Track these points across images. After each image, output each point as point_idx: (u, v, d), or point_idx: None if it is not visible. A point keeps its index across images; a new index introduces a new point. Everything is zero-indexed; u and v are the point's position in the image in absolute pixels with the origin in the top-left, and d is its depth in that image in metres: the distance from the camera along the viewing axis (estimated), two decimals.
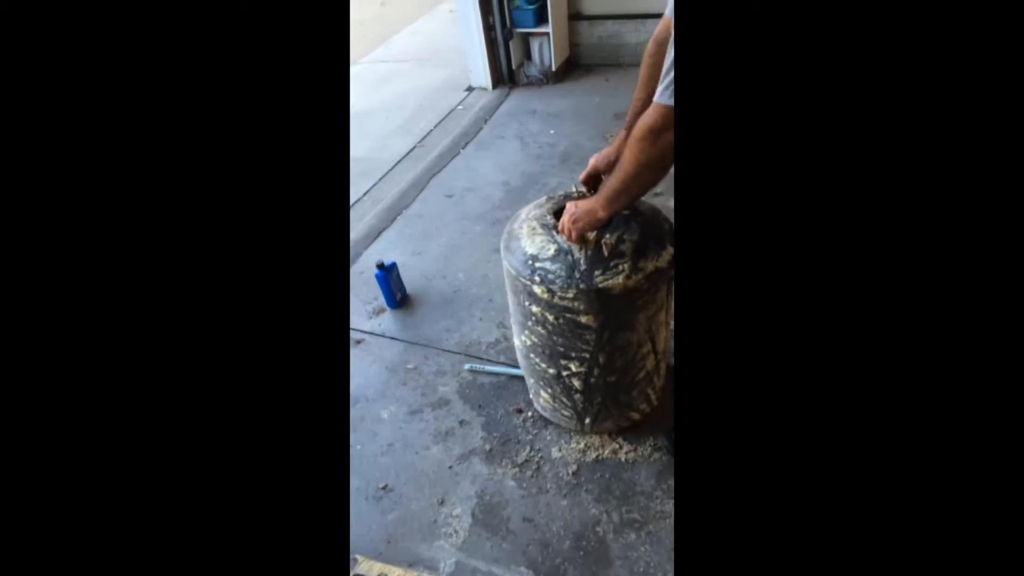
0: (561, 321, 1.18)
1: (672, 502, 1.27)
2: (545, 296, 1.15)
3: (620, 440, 1.40)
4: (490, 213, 2.29)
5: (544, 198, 1.30)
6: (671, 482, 1.31)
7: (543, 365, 1.30)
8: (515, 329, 1.34)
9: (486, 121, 3.02)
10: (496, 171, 2.56)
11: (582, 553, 1.21)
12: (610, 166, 1.16)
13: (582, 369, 1.25)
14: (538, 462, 1.39)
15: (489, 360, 1.66)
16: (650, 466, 1.35)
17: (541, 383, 1.36)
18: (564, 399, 1.34)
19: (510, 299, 1.29)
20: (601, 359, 1.23)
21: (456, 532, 1.27)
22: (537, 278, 1.14)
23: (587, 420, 1.37)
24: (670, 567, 1.16)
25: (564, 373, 1.28)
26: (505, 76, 3.33)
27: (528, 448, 1.42)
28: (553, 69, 3.27)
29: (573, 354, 1.23)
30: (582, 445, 1.40)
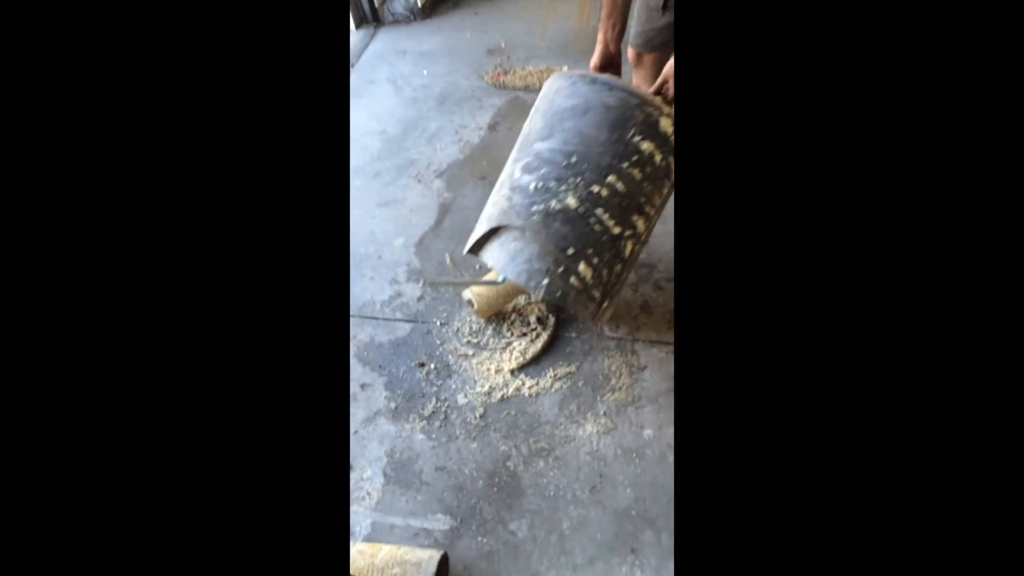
0: (664, 164, 1.15)
1: (575, 425, 1.33)
2: (668, 129, 1.12)
3: (522, 377, 1.44)
4: (369, 165, 2.17)
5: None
6: (573, 406, 1.37)
7: (610, 223, 1.15)
8: (576, 184, 1.14)
9: (353, 66, 2.79)
10: (370, 119, 2.41)
11: (495, 489, 1.25)
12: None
13: (643, 230, 1.18)
14: (445, 411, 1.39)
15: (385, 319, 1.62)
16: (551, 396, 1.40)
17: (587, 251, 1.15)
18: (604, 272, 1.18)
19: (587, 139, 1.13)
20: (653, 222, 1.20)
21: (369, 494, 1.26)
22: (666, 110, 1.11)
23: (605, 303, 1.23)
24: (577, 485, 1.24)
25: (627, 233, 1.16)
26: (368, 15, 3.08)
27: (434, 400, 1.42)
28: (420, 5, 3.06)
29: (647, 208, 1.18)
30: (486, 388, 1.42)
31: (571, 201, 1.14)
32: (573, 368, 1.44)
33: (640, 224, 1.20)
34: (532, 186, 1.17)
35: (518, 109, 2.32)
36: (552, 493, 1.23)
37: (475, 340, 1.53)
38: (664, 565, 1.12)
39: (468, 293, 1.52)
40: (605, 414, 1.34)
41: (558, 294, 1.17)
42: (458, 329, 1.56)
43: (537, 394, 1.40)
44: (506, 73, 2.56)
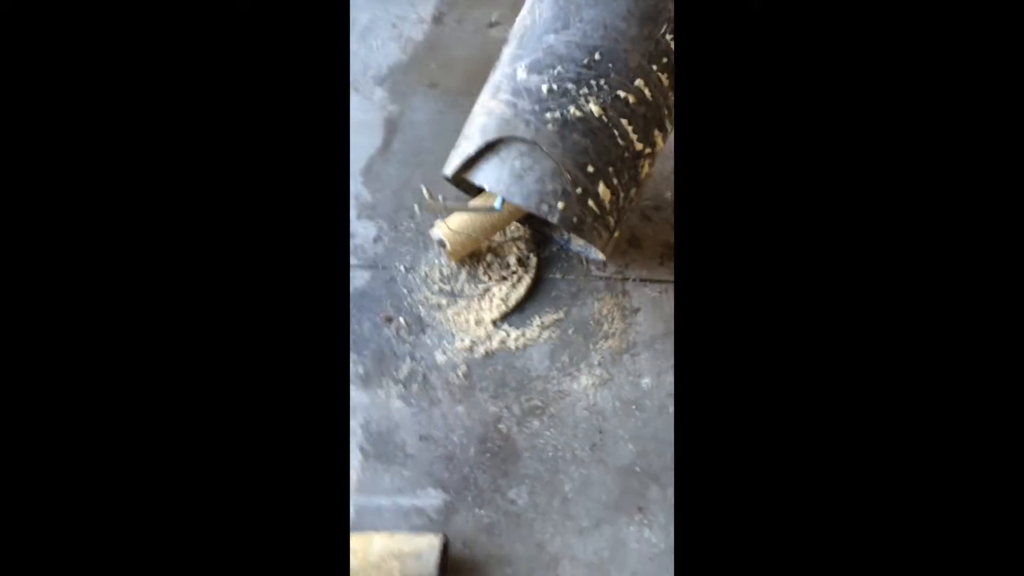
0: None
1: (568, 378, 1.23)
2: None
3: (506, 328, 1.29)
4: None
5: None
6: (564, 358, 1.26)
7: (633, 136, 1.00)
8: (600, 87, 0.96)
9: None
10: None
11: (488, 455, 1.15)
12: None
13: (660, 147, 1.05)
14: (423, 373, 1.24)
15: None
16: (540, 347, 1.27)
17: (608, 170, 1.01)
18: (620, 195, 1.05)
19: (612, 33, 0.94)
20: (670, 139, 1.05)
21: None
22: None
23: (615, 233, 1.13)
24: (576, 444, 1.16)
25: (646, 151, 1.03)
26: None
27: (408, 360, 1.26)
28: None
29: (668, 123, 1.02)
30: (467, 342, 1.27)
31: (593, 108, 0.96)
32: (561, 314, 1.31)
33: (659, 141, 1.05)
34: (544, 88, 0.97)
35: None
36: (551, 454, 1.15)
37: (448, 287, 1.35)
38: (673, 522, 1.09)
39: (437, 231, 1.31)
40: (600, 364, 1.24)
41: (574, 220, 1.01)
42: (426, 275, 1.36)
43: (524, 346, 1.27)
44: None
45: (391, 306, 1.33)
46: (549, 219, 1.06)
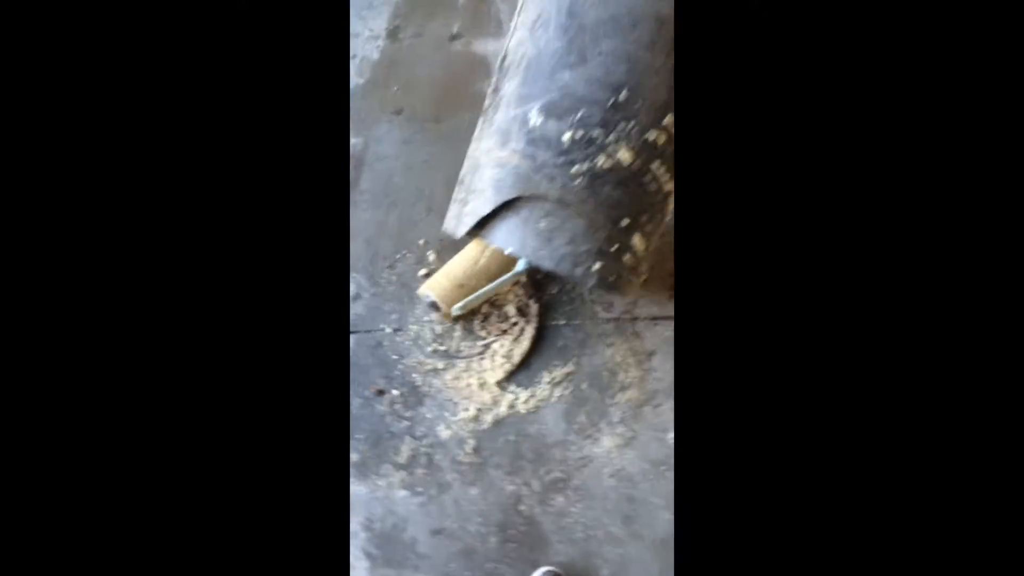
0: None
1: (588, 441, 1.11)
2: None
3: (513, 389, 1.16)
4: None
5: None
6: (582, 417, 1.13)
7: (664, 178, 0.91)
8: (629, 131, 0.85)
9: None
10: None
11: (512, 545, 1.02)
12: None
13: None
14: (427, 453, 1.10)
15: None
16: (553, 408, 1.15)
17: (641, 219, 0.92)
18: (654, 238, 0.97)
19: (638, 66, 0.84)
20: None
21: None
22: None
23: (644, 276, 1.03)
24: (607, 519, 1.04)
25: (672, 188, 0.94)
26: None
27: (408, 440, 1.11)
28: None
29: None
30: (472, 411, 1.13)
31: (624, 155, 0.86)
32: (571, 367, 1.19)
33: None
34: (567, 137, 0.85)
35: (425, 3, 1.77)
36: (581, 534, 1.03)
37: (443, 348, 1.20)
38: None
39: (426, 290, 1.16)
40: (621, 420, 1.13)
41: (611, 279, 0.91)
42: (417, 335, 1.21)
43: (536, 408, 1.14)
44: None
45: (381, 377, 1.17)
46: (583, 284, 0.95)
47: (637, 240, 0.93)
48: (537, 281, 1.28)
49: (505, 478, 1.08)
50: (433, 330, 1.22)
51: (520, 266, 1.03)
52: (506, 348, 1.19)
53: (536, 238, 0.90)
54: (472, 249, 1.14)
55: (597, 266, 0.89)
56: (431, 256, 1.28)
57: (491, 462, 1.09)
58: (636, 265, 0.96)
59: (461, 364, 1.19)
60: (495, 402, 1.15)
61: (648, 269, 0.99)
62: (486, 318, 1.22)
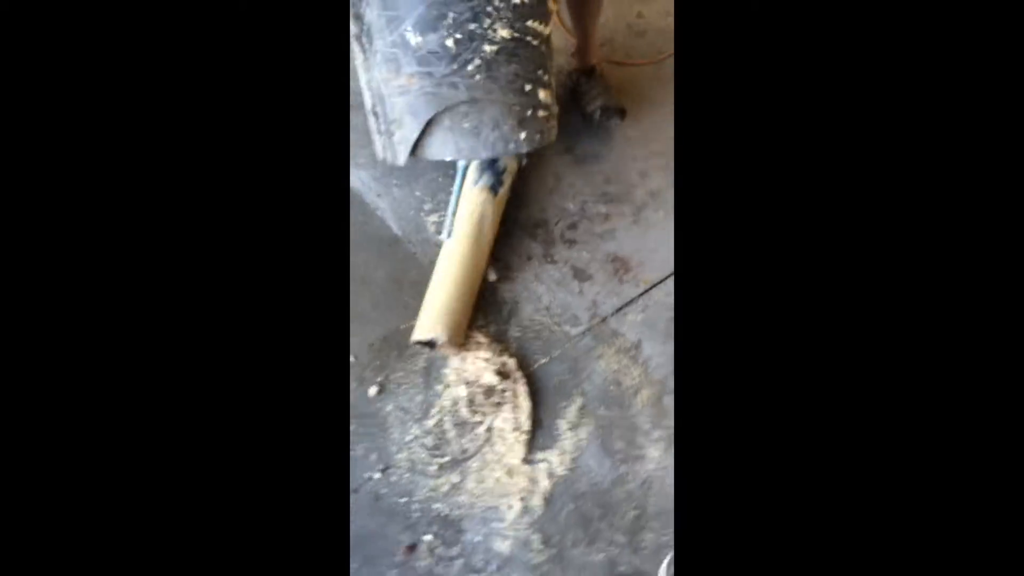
0: None
1: (638, 463, 1.05)
2: None
3: (542, 456, 1.05)
4: None
5: None
6: (618, 443, 1.06)
7: (540, 26, 1.04)
8: (498, 8, 0.96)
9: None
10: None
11: None
12: None
13: (556, 5, 1.15)
14: None
15: None
16: (591, 453, 1.06)
17: (539, 74, 1.06)
18: (553, 80, 1.10)
19: None
20: None
21: None
22: None
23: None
24: None
25: (548, 29, 1.08)
26: None
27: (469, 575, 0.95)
28: None
29: None
30: (517, 507, 1.00)
31: (503, 32, 0.98)
32: (579, 399, 1.10)
33: (552, 3, 1.07)
34: (450, 43, 0.95)
35: None
36: None
37: (445, 458, 1.04)
38: None
39: (421, 334, 1.06)
40: (652, 425, 1.08)
41: (537, 138, 1.08)
42: (411, 461, 1.03)
43: (573, 462, 1.05)
44: None
45: (401, 531, 0.98)
46: (520, 152, 1.10)
47: (543, 95, 1.07)
48: (497, 334, 1.16)
49: (589, 550, 0.98)
50: (424, 445, 1.05)
51: (460, 169, 1.17)
52: (510, 420, 1.07)
53: (466, 138, 1.03)
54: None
55: (523, 136, 1.05)
56: (374, 366, 1.09)
57: (567, 543, 0.98)
58: (549, 115, 1.10)
59: (475, 463, 1.04)
60: (533, 481, 1.02)
61: (557, 108, 1.13)
62: (471, 401, 1.08)
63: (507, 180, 1.22)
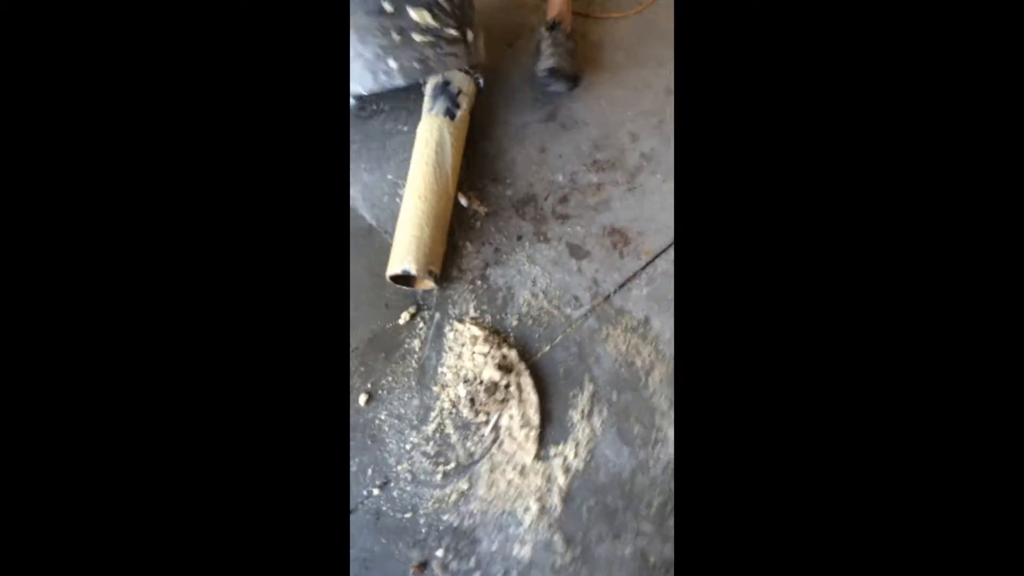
0: None
1: (659, 446, 0.98)
2: None
3: (555, 450, 0.97)
4: None
5: None
6: (635, 428, 0.99)
7: None
8: None
9: None
10: None
11: None
12: None
13: None
14: None
15: None
16: (605, 441, 0.98)
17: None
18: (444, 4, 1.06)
19: None
20: None
21: None
22: None
23: (469, 34, 1.13)
24: None
25: None
26: None
27: None
28: None
29: None
30: (534, 508, 0.92)
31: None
32: (589, 386, 1.02)
33: None
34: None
35: None
36: None
37: (450, 465, 0.95)
38: None
39: (393, 269, 1.03)
40: (670, 405, 1.01)
41: (416, 65, 1.07)
42: (412, 472, 0.95)
43: (590, 454, 0.97)
44: None
45: (410, 548, 0.89)
46: (396, 86, 1.11)
47: (415, 15, 1.04)
48: (494, 324, 1.06)
49: (615, 544, 0.91)
50: (425, 453, 0.96)
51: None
52: (517, 415, 0.98)
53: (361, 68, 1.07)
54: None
55: (394, 64, 1.06)
56: (363, 398, 0.99)
57: (591, 540, 0.91)
58: (435, 38, 1.07)
59: (484, 466, 0.95)
60: (549, 478, 0.95)
61: (459, 26, 1.10)
62: (472, 400, 0.99)
63: (464, 102, 1.17)
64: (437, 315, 1.07)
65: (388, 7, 1.00)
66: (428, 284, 1.07)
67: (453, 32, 1.08)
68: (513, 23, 1.42)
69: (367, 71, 1.07)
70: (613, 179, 1.22)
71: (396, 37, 1.03)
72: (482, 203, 1.19)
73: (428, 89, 1.18)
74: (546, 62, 1.24)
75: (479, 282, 1.11)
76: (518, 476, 0.94)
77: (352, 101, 1.19)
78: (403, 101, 1.29)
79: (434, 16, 1.05)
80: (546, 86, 1.27)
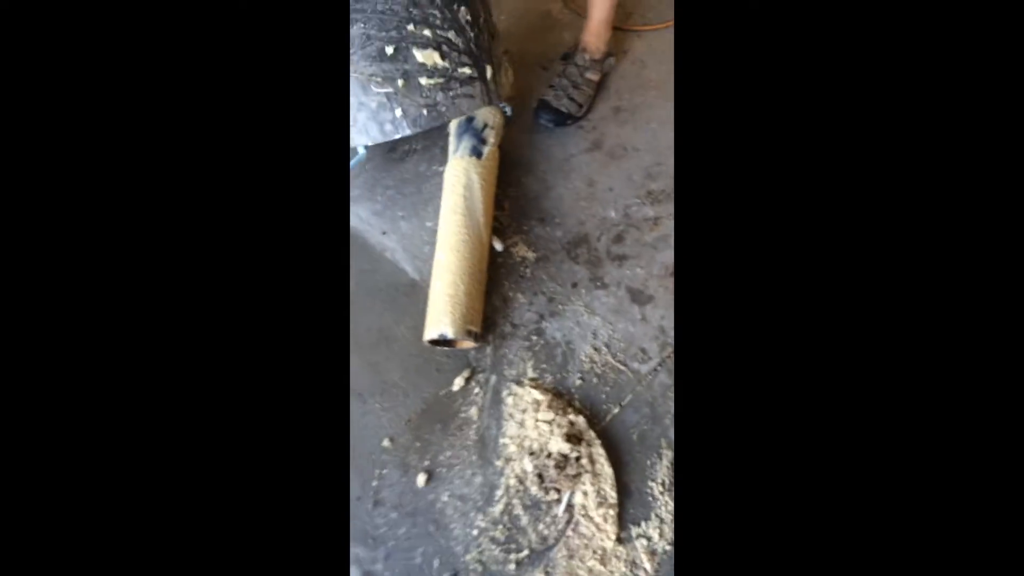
0: None
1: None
2: None
3: (635, 530, 0.87)
4: None
5: None
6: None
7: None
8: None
9: None
10: None
11: None
12: None
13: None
14: None
15: None
16: None
17: (415, 30, 0.93)
18: (456, 40, 0.96)
19: None
20: None
21: None
22: None
23: (489, 71, 1.02)
24: None
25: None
26: None
27: None
28: None
29: None
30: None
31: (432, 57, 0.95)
32: (668, 454, 0.92)
33: None
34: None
35: None
36: None
37: (522, 551, 0.86)
38: None
39: (429, 334, 0.95)
40: None
41: (424, 112, 0.97)
42: (481, 561, 0.86)
43: (672, 533, 0.87)
44: None
45: (435, 555, 0.81)
46: (404, 135, 1.00)
47: (421, 56, 0.95)
48: (555, 386, 0.97)
49: None
50: (494, 539, 0.87)
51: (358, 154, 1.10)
52: (592, 491, 0.89)
53: (365, 120, 0.97)
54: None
55: (399, 112, 0.97)
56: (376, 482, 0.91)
57: None
58: (445, 79, 0.98)
59: (561, 553, 0.86)
60: (633, 564, 0.85)
61: (475, 63, 1.01)
62: (540, 476, 0.90)
63: (491, 136, 1.07)
64: (493, 378, 0.98)
65: (389, 50, 0.91)
66: (469, 344, 0.98)
67: (467, 71, 0.98)
68: (546, 43, 1.32)
69: (373, 121, 0.97)
70: (670, 211, 1.11)
71: (400, 83, 0.94)
72: (529, 247, 1.09)
73: (452, 128, 1.09)
74: (547, 94, 1.17)
75: (535, 337, 1.02)
76: (599, 563, 0.85)
77: (361, 150, 1.10)
78: (435, 139, 1.20)
79: (443, 55, 0.95)
80: (537, 119, 1.19)
